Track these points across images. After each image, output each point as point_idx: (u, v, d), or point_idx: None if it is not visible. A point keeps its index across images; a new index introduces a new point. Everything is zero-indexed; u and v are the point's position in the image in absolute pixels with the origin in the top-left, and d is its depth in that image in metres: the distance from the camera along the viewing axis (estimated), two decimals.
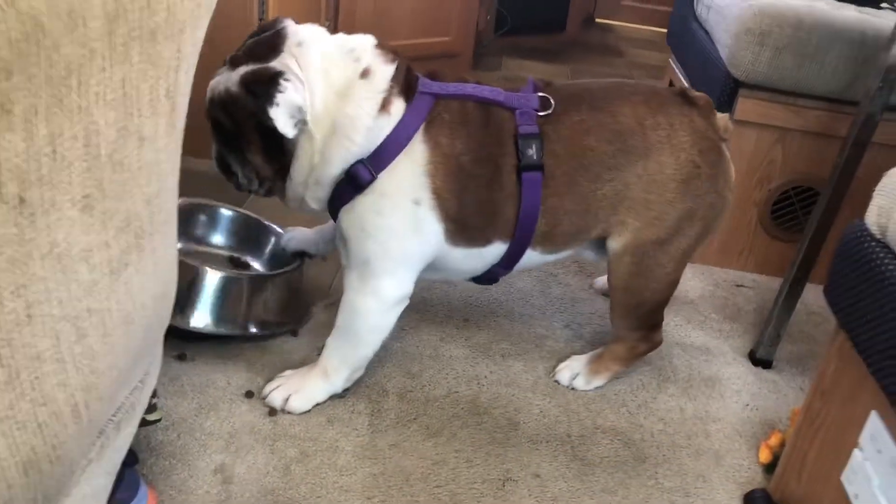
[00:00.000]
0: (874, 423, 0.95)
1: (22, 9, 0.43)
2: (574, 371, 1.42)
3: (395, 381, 1.37)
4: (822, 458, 1.09)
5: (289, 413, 1.26)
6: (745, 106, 1.74)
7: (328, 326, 1.31)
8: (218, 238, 1.65)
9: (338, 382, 1.28)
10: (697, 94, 1.30)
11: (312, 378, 1.28)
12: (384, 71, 1.16)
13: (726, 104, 1.75)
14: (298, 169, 1.20)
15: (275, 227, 1.64)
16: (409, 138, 1.15)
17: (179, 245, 1.51)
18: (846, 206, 1.48)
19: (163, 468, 1.13)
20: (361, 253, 1.21)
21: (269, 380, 1.31)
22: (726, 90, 1.75)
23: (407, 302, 1.26)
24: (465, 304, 1.62)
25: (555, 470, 1.23)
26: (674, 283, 1.35)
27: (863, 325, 0.96)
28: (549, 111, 1.22)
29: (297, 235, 1.54)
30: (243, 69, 1.16)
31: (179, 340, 1.38)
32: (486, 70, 3.28)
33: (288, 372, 1.32)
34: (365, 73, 1.16)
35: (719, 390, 1.46)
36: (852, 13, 1.74)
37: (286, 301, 1.47)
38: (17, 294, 0.49)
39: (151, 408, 1.13)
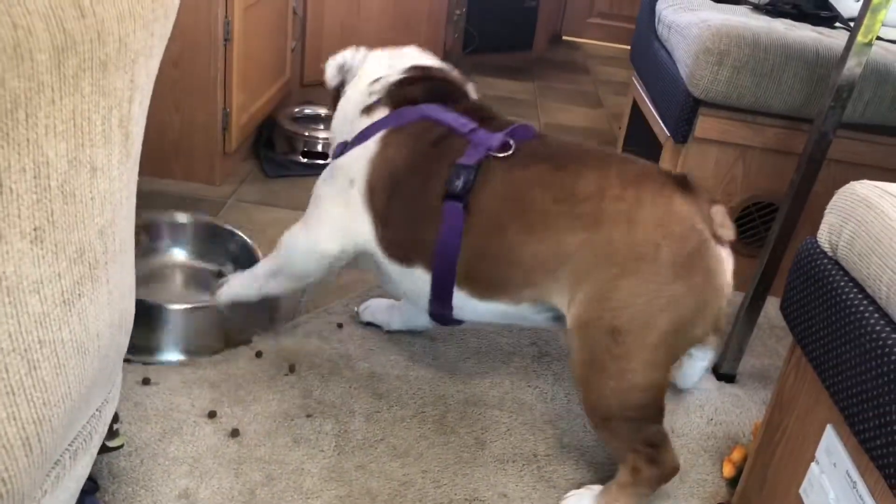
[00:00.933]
0: (829, 437, 0.97)
1: None
2: None
3: (361, 401, 1.37)
4: (781, 472, 1.11)
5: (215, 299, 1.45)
6: (706, 124, 1.77)
7: (294, 347, 1.31)
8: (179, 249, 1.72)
9: (253, 284, 1.44)
10: (696, 182, 1.17)
11: (242, 275, 1.47)
12: (384, 82, 1.37)
13: (687, 123, 1.78)
14: (333, 129, 1.48)
15: (232, 229, 1.72)
16: (371, 136, 1.31)
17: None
18: (805, 222, 1.51)
19: (125, 495, 1.12)
20: (312, 202, 1.39)
21: (234, 399, 1.32)
22: (686, 108, 1.78)
23: (326, 262, 1.34)
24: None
25: (521, 490, 1.23)
26: (644, 388, 1.12)
27: (816, 341, 0.98)
28: (506, 154, 1.20)
29: (371, 305, 1.61)
30: None
31: (143, 365, 1.37)
32: None
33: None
34: (374, 81, 1.38)
35: (683, 406, 1.48)
36: (808, 33, 1.78)
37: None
38: None
39: (113, 434, 1.11)
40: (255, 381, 1.38)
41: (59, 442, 0.64)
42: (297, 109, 2.51)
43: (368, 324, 1.59)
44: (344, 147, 1.35)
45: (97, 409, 0.78)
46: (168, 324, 1.42)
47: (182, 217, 1.71)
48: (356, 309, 1.62)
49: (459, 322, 1.34)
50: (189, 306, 1.44)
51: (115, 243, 0.67)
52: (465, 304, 1.26)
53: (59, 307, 0.59)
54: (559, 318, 1.21)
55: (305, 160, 2.32)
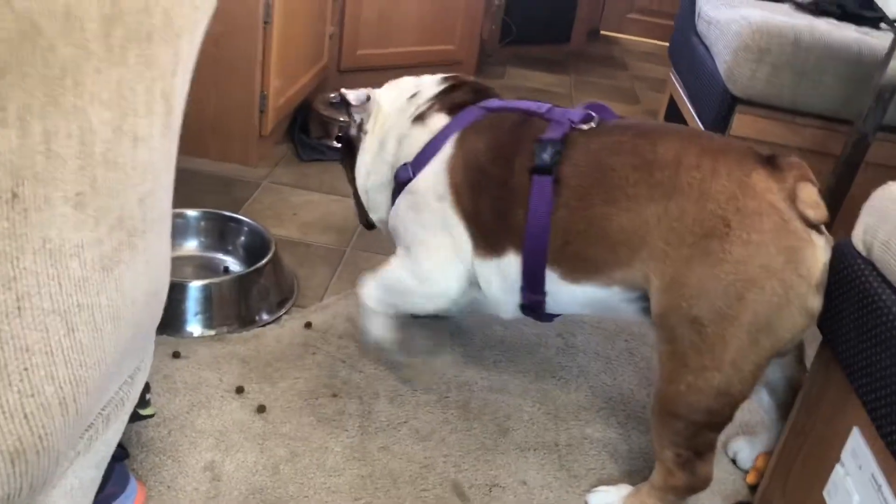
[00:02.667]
0: (856, 439, 0.96)
1: (17, 8, 0.45)
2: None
3: (386, 384, 1.38)
4: (805, 473, 1.10)
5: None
6: (742, 121, 1.75)
7: (322, 328, 1.32)
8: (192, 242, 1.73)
9: (366, 304, 1.36)
10: (791, 159, 1.07)
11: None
12: (427, 92, 1.34)
13: (724, 120, 1.77)
14: (358, 177, 1.42)
15: (243, 218, 1.73)
16: (441, 144, 1.26)
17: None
18: (839, 225, 1.49)
19: (153, 464, 1.15)
20: (405, 241, 1.31)
21: (262, 376, 1.34)
22: (724, 105, 1.77)
23: (446, 301, 1.29)
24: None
25: (542, 479, 1.24)
26: (720, 393, 1.05)
27: (847, 342, 0.97)
28: (589, 125, 1.18)
29: None
30: None
31: (175, 338, 1.40)
32: (490, 79, 3.30)
33: None
34: (413, 96, 1.35)
35: None
36: (851, 33, 1.75)
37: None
38: (8, 287, 0.50)
39: (145, 403, 1.14)
40: (283, 359, 1.40)
41: (93, 405, 0.65)
42: (332, 95, 2.52)
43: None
44: (407, 169, 1.29)
45: (129, 377, 0.80)
46: (192, 299, 1.45)
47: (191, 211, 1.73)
48: None
49: (552, 317, 1.29)
50: (212, 280, 1.48)
51: (154, 213, 0.69)
52: (557, 289, 1.20)
53: (98, 272, 0.60)
54: (644, 300, 1.15)
55: (339, 145, 2.34)
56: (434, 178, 1.25)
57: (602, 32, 4.56)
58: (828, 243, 1.04)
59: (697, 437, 1.10)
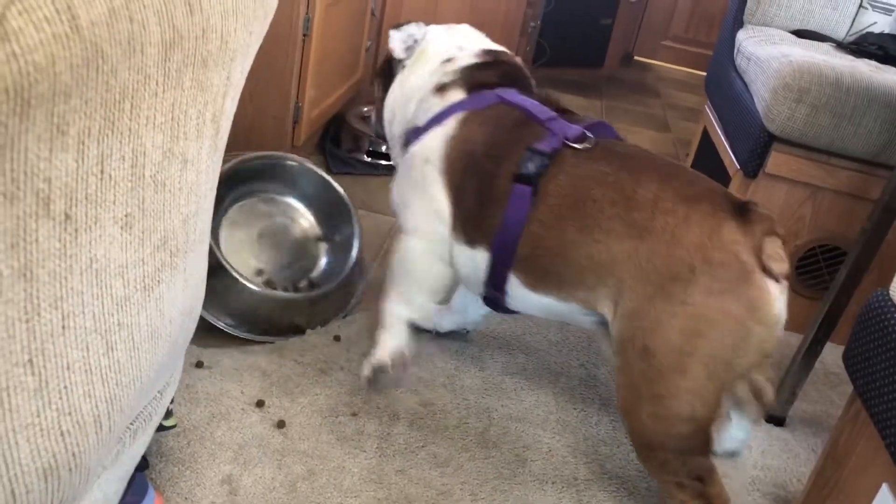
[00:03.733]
0: (884, 496, 0.94)
1: (86, 36, 0.45)
2: None
3: (406, 406, 1.38)
4: None
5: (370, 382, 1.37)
6: (778, 160, 1.74)
7: (345, 344, 1.31)
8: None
9: (389, 323, 1.37)
10: (761, 211, 1.10)
11: (378, 332, 1.40)
12: (460, 62, 1.37)
13: (759, 157, 1.76)
14: (386, 106, 1.47)
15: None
16: (447, 117, 1.31)
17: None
18: (873, 269, 1.47)
19: (171, 474, 1.15)
20: (398, 204, 1.38)
21: (283, 391, 1.34)
22: (760, 143, 1.75)
23: (441, 246, 1.31)
24: (482, 336, 1.62)
25: None
26: (686, 419, 1.09)
27: (880, 396, 0.96)
28: (582, 145, 1.19)
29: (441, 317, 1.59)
30: None
31: (198, 347, 1.40)
32: None
33: None
34: (447, 61, 1.38)
35: None
36: (893, 76, 1.74)
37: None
38: (55, 306, 0.51)
39: (167, 413, 1.14)
40: (304, 375, 1.40)
41: (125, 421, 0.65)
42: (365, 108, 2.53)
43: (419, 329, 1.59)
44: (415, 133, 1.35)
45: (159, 391, 0.80)
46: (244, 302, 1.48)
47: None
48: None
49: (511, 312, 1.35)
50: (266, 291, 1.50)
51: (196, 233, 0.69)
52: (517, 292, 1.26)
53: (139, 292, 0.60)
54: (605, 324, 1.19)
55: (370, 159, 2.35)
56: (429, 145, 1.31)
57: (636, 58, 4.55)
58: (783, 293, 1.09)
59: (688, 464, 1.12)
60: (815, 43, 2.10)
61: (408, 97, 1.40)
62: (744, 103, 1.92)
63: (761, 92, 1.77)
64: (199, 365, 1.37)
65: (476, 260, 1.27)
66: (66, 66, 0.44)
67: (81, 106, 0.47)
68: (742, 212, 1.09)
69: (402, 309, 1.37)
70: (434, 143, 1.30)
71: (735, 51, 2.17)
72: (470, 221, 1.27)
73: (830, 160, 1.72)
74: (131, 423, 0.73)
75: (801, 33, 2.20)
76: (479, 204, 1.25)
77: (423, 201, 1.31)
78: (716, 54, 2.49)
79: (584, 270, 1.15)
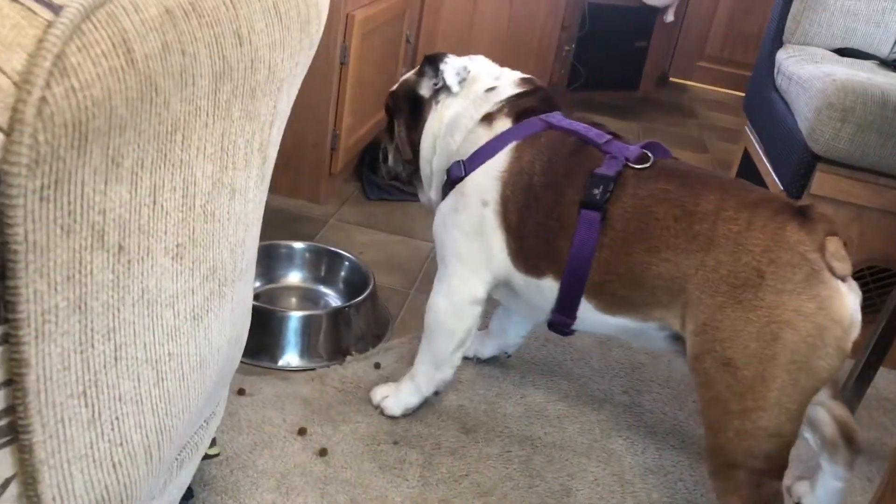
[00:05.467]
0: None
1: (140, 69, 0.46)
2: None
3: (448, 434, 1.36)
4: None
5: (382, 414, 1.38)
6: (823, 181, 1.70)
7: (386, 372, 1.31)
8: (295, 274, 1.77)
9: (421, 383, 1.36)
10: (821, 212, 1.11)
11: (405, 380, 1.39)
12: (504, 91, 1.34)
13: (803, 178, 1.72)
14: (424, 141, 1.39)
15: (344, 253, 1.78)
16: (499, 149, 1.27)
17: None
18: None
19: (214, 503, 1.14)
20: (441, 251, 1.33)
21: (324, 418, 1.33)
22: (804, 163, 1.72)
23: (479, 308, 1.31)
24: (522, 362, 1.61)
25: None
26: (772, 434, 1.07)
27: None
28: (643, 166, 1.19)
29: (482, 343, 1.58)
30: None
31: (240, 374, 1.40)
32: None
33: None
34: (489, 90, 1.34)
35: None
36: None
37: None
38: (108, 337, 0.51)
39: (212, 442, 1.14)
40: (346, 402, 1.40)
41: (174, 452, 0.65)
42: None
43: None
44: (461, 168, 1.30)
45: (205, 421, 0.80)
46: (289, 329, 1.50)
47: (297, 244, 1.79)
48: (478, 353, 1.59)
49: (573, 332, 1.32)
50: (307, 313, 1.54)
51: (243, 262, 0.69)
52: (589, 315, 1.24)
53: (188, 322, 0.60)
54: (677, 339, 1.19)
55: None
56: (484, 183, 1.26)
57: (671, 79, 4.53)
58: (854, 293, 1.07)
59: (762, 488, 1.09)
60: (858, 61, 2.06)
61: (451, 129, 1.35)
62: (786, 124, 1.89)
63: (804, 112, 1.75)
64: (241, 392, 1.37)
65: (544, 289, 1.25)
66: (121, 100, 0.45)
67: (135, 138, 0.48)
68: (803, 213, 1.10)
69: (435, 373, 1.36)
70: (489, 181, 1.26)
71: (775, 71, 2.14)
72: (535, 254, 1.24)
73: (878, 179, 1.68)
74: (179, 454, 0.73)
75: (843, 52, 2.16)
76: (543, 236, 1.22)
77: (476, 245, 1.28)
78: (755, 74, 2.46)
79: (657, 290, 1.15)
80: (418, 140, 1.41)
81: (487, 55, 1.49)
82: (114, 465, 0.55)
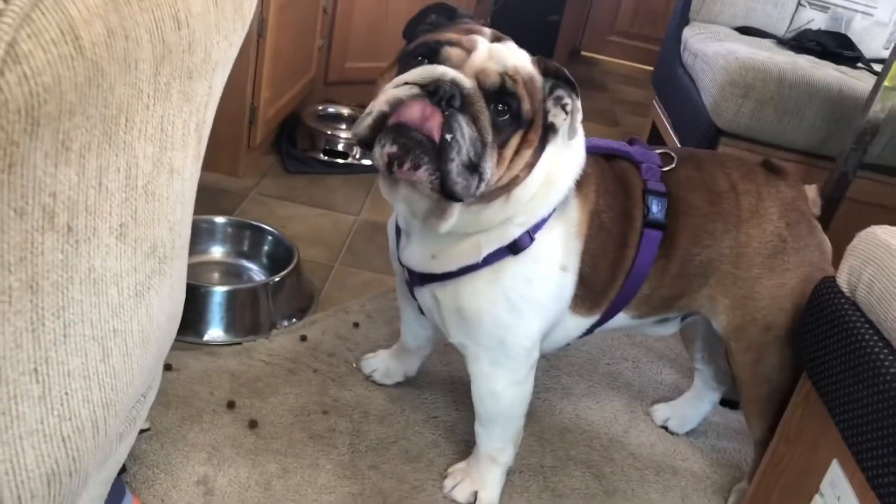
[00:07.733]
0: (835, 471, 1.00)
1: (88, 56, 0.47)
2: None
3: (375, 403, 1.40)
4: (783, 503, 1.14)
5: None
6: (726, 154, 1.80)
7: (311, 344, 1.33)
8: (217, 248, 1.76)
9: (507, 460, 1.24)
10: (782, 163, 1.19)
11: (486, 468, 1.23)
12: None
13: (707, 149, 1.82)
14: (531, 182, 1.01)
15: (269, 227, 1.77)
16: (563, 193, 1.06)
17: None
18: None
19: (146, 477, 1.15)
20: (497, 331, 1.08)
21: (253, 391, 1.35)
22: (708, 137, 1.82)
23: (532, 375, 1.17)
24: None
25: (526, 500, 1.27)
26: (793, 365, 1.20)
27: (828, 377, 1.02)
28: (671, 166, 1.16)
29: (380, 367, 1.45)
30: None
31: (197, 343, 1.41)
32: None
33: (460, 465, 1.27)
34: None
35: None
36: (831, 72, 1.82)
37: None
38: (58, 315, 0.52)
39: None
40: (274, 375, 1.42)
41: (118, 425, 0.67)
42: (320, 107, 2.54)
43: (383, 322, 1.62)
44: (526, 234, 1.05)
45: (142, 395, 0.81)
46: (213, 304, 1.50)
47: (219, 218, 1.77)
48: (354, 364, 1.49)
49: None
50: (231, 287, 1.53)
51: (181, 239, 0.71)
52: (617, 322, 1.21)
53: (132, 299, 0.62)
54: (664, 321, 1.28)
55: (326, 158, 2.36)
56: (561, 246, 1.08)
57: (583, 53, 4.63)
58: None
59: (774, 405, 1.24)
60: (758, 39, 2.18)
61: (551, 181, 1.05)
62: (691, 98, 1.99)
63: (709, 88, 1.84)
64: (168, 367, 1.37)
65: (581, 326, 1.18)
66: (70, 86, 0.46)
67: (83, 122, 0.49)
68: (776, 169, 1.20)
69: (511, 451, 1.24)
70: (568, 243, 1.08)
71: (682, 47, 2.24)
72: (600, 291, 1.14)
73: (776, 153, 1.79)
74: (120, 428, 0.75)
75: (744, 30, 2.28)
76: (612, 272, 1.13)
77: (549, 313, 1.10)
78: (662, 50, 2.56)
79: (694, 278, 1.17)
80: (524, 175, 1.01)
81: (398, 33, 1.39)
82: (63, 440, 0.56)
